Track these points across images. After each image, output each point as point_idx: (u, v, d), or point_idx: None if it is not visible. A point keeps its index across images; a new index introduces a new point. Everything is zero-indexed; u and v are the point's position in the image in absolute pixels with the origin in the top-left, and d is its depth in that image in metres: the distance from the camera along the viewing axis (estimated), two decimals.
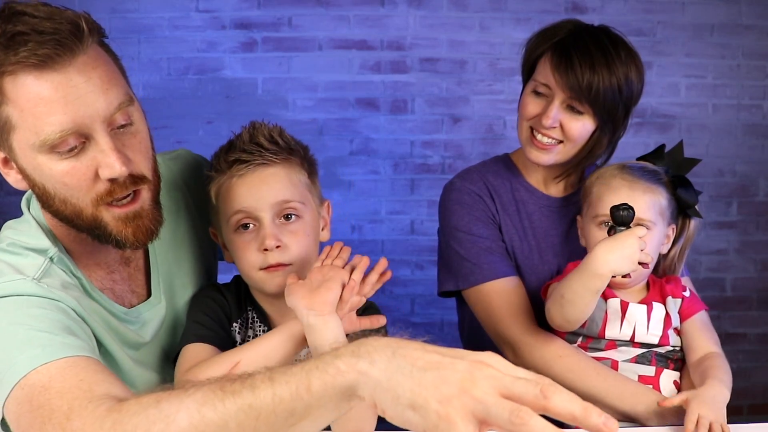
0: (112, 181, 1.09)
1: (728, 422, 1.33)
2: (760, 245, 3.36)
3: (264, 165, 1.26)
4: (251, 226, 1.26)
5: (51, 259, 1.13)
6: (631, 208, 1.35)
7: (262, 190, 1.26)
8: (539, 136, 1.57)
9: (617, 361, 1.49)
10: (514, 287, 1.61)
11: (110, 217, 1.12)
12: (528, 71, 1.65)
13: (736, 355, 3.30)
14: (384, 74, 3.24)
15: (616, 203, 1.37)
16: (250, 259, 1.26)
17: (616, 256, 1.33)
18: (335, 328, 1.17)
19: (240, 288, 1.36)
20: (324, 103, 3.23)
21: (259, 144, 1.27)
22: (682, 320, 1.54)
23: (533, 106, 1.59)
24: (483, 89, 3.22)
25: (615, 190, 1.46)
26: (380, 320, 1.29)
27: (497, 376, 0.73)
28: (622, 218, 1.35)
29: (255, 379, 0.81)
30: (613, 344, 1.50)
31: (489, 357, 0.76)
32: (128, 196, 1.12)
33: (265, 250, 1.24)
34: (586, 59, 1.53)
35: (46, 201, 1.12)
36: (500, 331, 1.60)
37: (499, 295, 1.60)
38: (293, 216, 1.27)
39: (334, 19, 3.19)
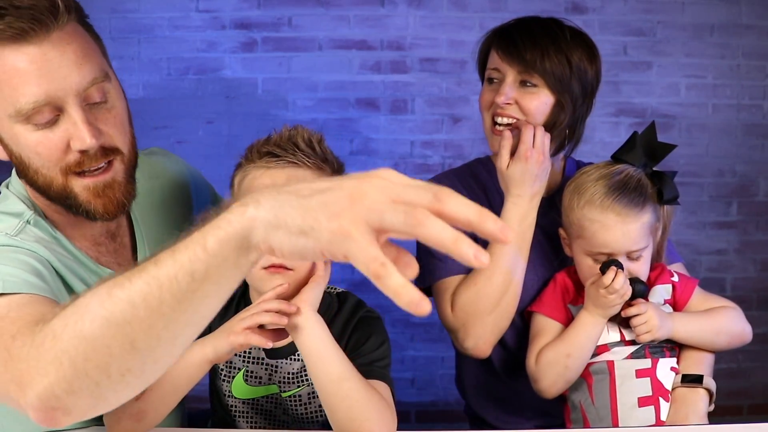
0: (83, 152, 1.12)
1: (728, 422, 1.33)
2: (760, 245, 3.36)
3: (294, 165, 1.26)
4: None
5: (27, 221, 1.17)
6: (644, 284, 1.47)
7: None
8: (498, 119, 1.58)
9: (613, 362, 1.49)
10: None
11: (80, 187, 1.15)
12: (482, 70, 1.67)
13: (736, 355, 3.30)
14: (384, 74, 3.23)
15: (613, 244, 1.46)
16: None
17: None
18: (319, 323, 1.19)
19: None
20: (324, 103, 3.23)
21: (296, 144, 1.27)
22: (681, 305, 1.54)
23: (488, 93, 1.61)
24: None
25: (610, 229, 1.45)
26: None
27: (388, 185, 0.70)
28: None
29: (160, 255, 0.80)
30: (605, 347, 1.50)
31: (381, 171, 0.72)
32: (100, 167, 1.15)
33: None
34: (528, 36, 1.56)
35: (22, 170, 1.16)
36: (448, 324, 1.61)
37: (452, 291, 1.60)
38: None
39: (334, 19, 3.19)
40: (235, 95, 3.20)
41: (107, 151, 1.15)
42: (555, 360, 1.48)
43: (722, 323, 1.54)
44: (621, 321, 1.49)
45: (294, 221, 0.71)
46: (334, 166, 1.31)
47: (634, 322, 1.45)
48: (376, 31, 3.21)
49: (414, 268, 0.71)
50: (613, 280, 1.41)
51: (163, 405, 1.21)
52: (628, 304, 1.45)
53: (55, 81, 1.08)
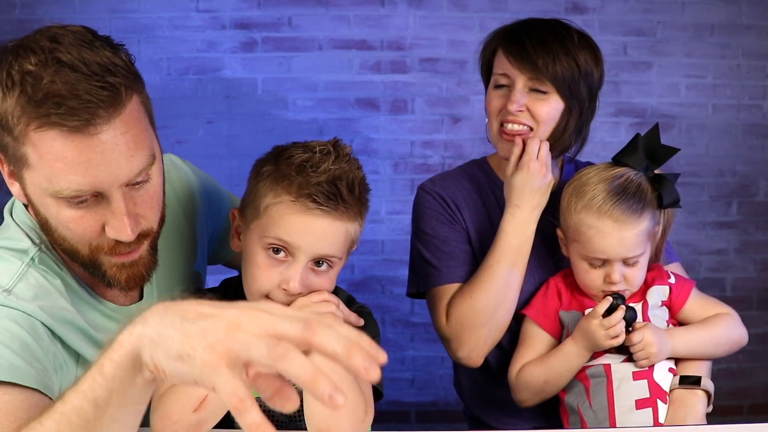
0: (118, 240, 1.07)
1: (728, 422, 1.33)
2: (760, 245, 3.36)
3: (333, 216, 1.19)
4: (283, 253, 1.20)
5: (33, 259, 1.10)
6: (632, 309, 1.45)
7: (316, 236, 1.19)
8: (509, 126, 1.55)
9: (609, 365, 1.48)
10: None
11: (107, 262, 1.10)
12: (487, 72, 1.65)
13: (736, 355, 3.24)
14: (384, 74, 3.24)
15: (608, 251, 1.44)
16: (263, 283, 1.21)
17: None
18: None
19: (227, 294, 1.31)
20: (324, 103, 3.23)
21: (339, 191, 1.19)
22: (677, 307, 1.53)
23: (497, 99, 1.58)
24: (483, 89, 3.22)
25: (606, 236, 1.43)
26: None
27: (264, 318, 0.70)
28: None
29: (65, 391, 0.80)
30: (601, 352, 1.49)
31: (264, 304, 0.73)
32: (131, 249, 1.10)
33: (285, 289, 1.20)
34: (537, 40, 1.53)
35: (46, 230, 1.09)
36: (442, 333, 1.61)
37: (447, 300, 1.60)
38: (325, 265, 1.23)
39: (334, 19, 3.19)
40: (235, 95, 3.20)
41: (141, 237, 1.09)
42: (532, 382, 1.51)
43: (721, 334, 1.54)
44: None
45: (173, 345, 0.72)
46: (365, 207, 1.26)
47: (632, 349, 1.44)
48: (376, 31, 3.22)
49: (293, 402, 0.70)
50: (612, 313, 1.42)
51: (223, 407, 1.16)
52: (627, 330, 1.44)
53: (103, 173, 1.00)
